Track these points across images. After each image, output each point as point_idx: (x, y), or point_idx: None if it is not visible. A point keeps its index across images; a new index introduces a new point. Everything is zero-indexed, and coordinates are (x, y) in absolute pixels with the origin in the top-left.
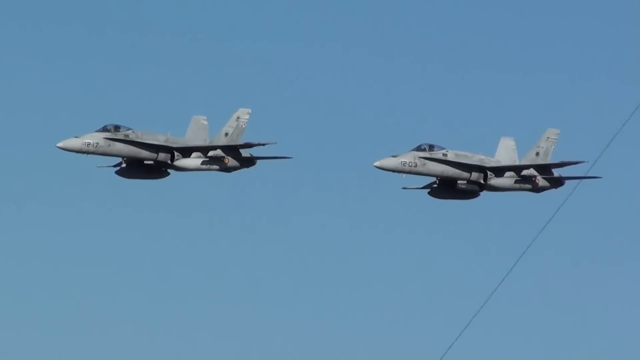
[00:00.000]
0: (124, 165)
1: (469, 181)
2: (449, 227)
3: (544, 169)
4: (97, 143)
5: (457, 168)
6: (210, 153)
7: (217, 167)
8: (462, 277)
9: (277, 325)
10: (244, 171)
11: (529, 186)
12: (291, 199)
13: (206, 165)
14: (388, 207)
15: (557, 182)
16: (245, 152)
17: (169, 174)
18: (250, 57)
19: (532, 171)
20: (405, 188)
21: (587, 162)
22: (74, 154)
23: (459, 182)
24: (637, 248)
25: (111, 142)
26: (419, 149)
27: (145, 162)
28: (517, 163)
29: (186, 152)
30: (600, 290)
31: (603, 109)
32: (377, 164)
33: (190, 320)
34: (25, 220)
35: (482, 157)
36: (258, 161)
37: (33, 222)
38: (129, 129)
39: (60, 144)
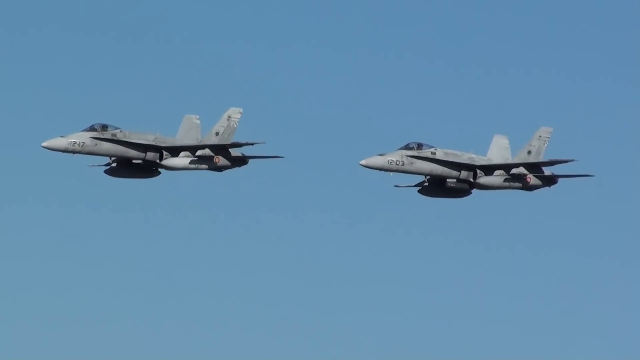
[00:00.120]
0: (113, 164)
1: (459, 180)
2: (438, 225)
3: (535, 167)
4: (84, 142)
5: (445, 166)
6: (199, 152)
7: (206, 166)
8: (454, 274)
9: (276, 325)
10: (235, 170)
11: (519, 185)
12: (283, 197)
13: (195, 164)
14: (379, 206)
15: (549, 181)
16: (236, 152)
17: (159, 173)
18: (244, 57)
19: (522, 169)
20: (397, 186)
21: (577, 160)
22: (60, 153)
23: (448, 180)
24: (636, 248)
25: (98, 142)
26: (407, 147)
27: (134, 161)
28: (509, 161)
29: (175, 151)
30: (600, 291)
31: (601, 109)
32: (362, 162)
33: (181, 320)
34: (14, 220)
35: (473, 155)
36: (250, 160)
37: (24, 222)
38: (116, 128)
39: (45, 144)
